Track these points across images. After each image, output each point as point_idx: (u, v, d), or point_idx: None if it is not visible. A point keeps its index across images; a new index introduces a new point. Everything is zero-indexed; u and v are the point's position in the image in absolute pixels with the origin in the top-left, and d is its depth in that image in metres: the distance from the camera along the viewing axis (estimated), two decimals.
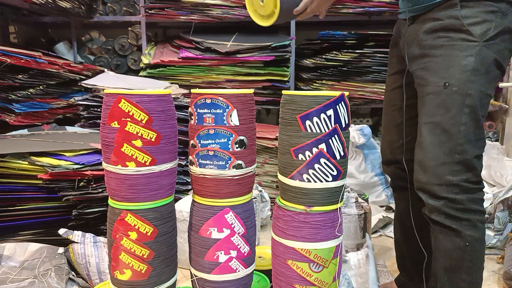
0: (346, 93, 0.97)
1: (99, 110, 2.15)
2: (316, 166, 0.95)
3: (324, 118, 0.93)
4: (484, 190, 1.07)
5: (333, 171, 0.96)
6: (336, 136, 0.95)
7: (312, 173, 0.95)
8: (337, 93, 0.94)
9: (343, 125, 0.96)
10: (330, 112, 0.94)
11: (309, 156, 0.95)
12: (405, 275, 1.38)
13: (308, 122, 0.94)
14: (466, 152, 1.02)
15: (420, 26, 1.10)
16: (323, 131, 0.94)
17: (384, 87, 2.47)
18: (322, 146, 0.94)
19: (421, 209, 1.10)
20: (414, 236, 1.29)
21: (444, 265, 1.06)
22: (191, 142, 1.05)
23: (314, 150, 0.94)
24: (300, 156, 0.96)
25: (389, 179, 1.42)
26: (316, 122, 0.94)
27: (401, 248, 1.38)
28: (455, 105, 1.01)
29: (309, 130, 0.94)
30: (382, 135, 1.39)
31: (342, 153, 0.97)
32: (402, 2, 1.20)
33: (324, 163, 0.95)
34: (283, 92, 1.00)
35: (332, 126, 0.94)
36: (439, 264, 1.07)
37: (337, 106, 0.94)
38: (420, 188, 1.08)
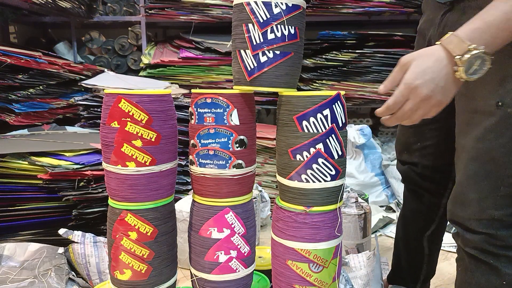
0: (342, 92, 0.96)
1: (99, 110, 2.15)
2: (314, 166, 0.95)
3: (320, 118, 0.93)
4: None
5: (332, 170, 0.96)
6: (333, 135, 0.95)
7: (311, 173, 0.95)
8: (333, 93, 0.94)
9: (340, 125, 0.96)
10: (327, 111, 0.94)
11: (306, 156, 0.95)
12: (398, 273, 1.35)
13: (304, 123, 0.94)
14: None
15: (463, 15, 0.87)
16: (320, 131, 0.94)
17: None
18: (320, 146, 0.94)
19: (452, 235, 0.97)
20: (414, 240, 1.27)
21: None
22: (192, 141, 1.05)
23: (312, 150, 0.94)
24: (298, 156, 0.96)
25: (385, 172, 1.37)
26: (313, 122, 0.94)
27: (399, 247, 1.34)
28: (509, 130, 0.82)
29: (306, 131, 0.94)
30: (398, 131, 1.25)
31: (340, 153, 0.97)
32: None
33: (322, 163, 0.95)
34: (279, 93, 1.00)
35: (329, 126, 0.94)
36: None
37: (334, 106, 0.94)
38: (454, 221, 0.94)
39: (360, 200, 1.71)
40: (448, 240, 1.91)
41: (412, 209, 1.27)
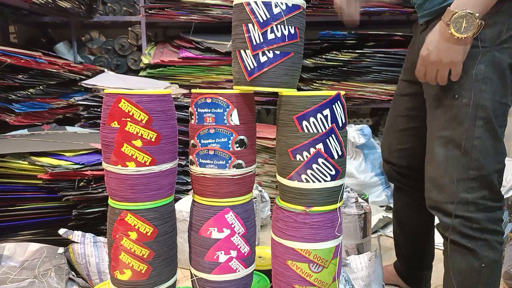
0: (342, 93, 0.97)
1: (99, 110, 2.15)
2: (314, 166, 0.95)
3: (320, 118, 0.93)
4: (504, 208, 1.03)
5: (332, 170, 0.96)
6: (333, 135, 0.95)
7: (311, 173, 0.95)
8: (333, 93, 0.94)
9: (340, 125, 0.96)
10: (327, 111, 0.94)
11: (306, 156, 0.95)
12: (403, 262, 1.44)
13: (304, 123, 0.94)
14: (483, 168, 0.94)
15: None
16: (320, 131, 0.94)
17: (385, 87, 2.49)
18: (320, 146, 0.94)
19: (436, 226, 1.06)
20: (409, 231, 1.38)
21: (458, 285, 0.99)
22: (192, 141, 1.05)
23: (312, 150, 0.94)
24: (298, 156, 0.96)
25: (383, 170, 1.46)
26: (313, 122, 0.94)
27: (399, 239, 1.44)
28: (467, 118, 0.93)
29: (306, 131, 0.94)
30: (383, 134, 1.39)
31: (340, 153, 0.97)
32: (417, 6, 1.09)
33: (322, 163, 0.95)
34: (279, 93, 1.01)
35: (329, 126, 0.94)
36: (452, 282, 1.01)
37: (333, 106, 0.94)
38: (433, 207, 1.02)
39: (360, 200, 1.71)
40: None
41: (401, 204, 1.38)
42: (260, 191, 2.02)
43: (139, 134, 0.93)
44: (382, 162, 1.44)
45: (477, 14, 0.85)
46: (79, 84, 2.36)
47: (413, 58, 1.11)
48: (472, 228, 0.95)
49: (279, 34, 0.94)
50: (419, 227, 1.36)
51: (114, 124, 0.94)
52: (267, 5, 0.93)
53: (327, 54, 2.46)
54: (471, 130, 0.93)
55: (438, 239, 1.60)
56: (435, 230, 1.40)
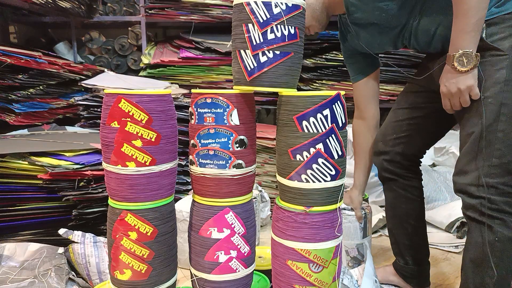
0: (342, 93, 0.97)
1: (99, 110, 2.15)
2: (314, 166, 0.95)
3: (320, 118, 0.93)
4: None
5: (331, 170, 0.96)
6: (333, 135, 0.95)
7: (311, 173, 0.95)
8: (333, 93, 0.94)
9: (340, 125, 0.96)
10: (327, 111, 0.94)
11: (306, 156, 0.95)
12: (401, 260, 1.47)
13: (304, 123, 0.94)
14: (504, 156, 1.06)
15: None
16: (320, 131, 0.94)
17: (384, 87, 2.48)
18: (320, 146, 0.94)
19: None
20: (403, 223, 1.43)
21: (471, 256, 1.11)
22: (192, 141, 1.05)
23: (312, 150, 0.94)
24: (298, 156, 0.96)
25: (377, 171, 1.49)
26: (313, 122, 0.94)
27: (394, 235, 1.47)
28: (492, 115, 1.07)
29: (306, 131, 0.94)
30: (379, 129, 1.46)
31: (340, 153, 0.97)
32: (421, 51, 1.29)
33: (322, 163, 0.95)
34: (279, 93, 1.00)
35: (329, 126, 0.94)
36: (468, 255, 1.13)
37: (333, 106, 0.94)
38: (459, 189, 1.13)
39: None
40: (448, 240, 1.91)
41: (394, 197, 1.43)
42: (260, 191, 2.02)
43: (139, 134, 0.93)
44: (373, 156, 1.47)
45: (471, 51, 1.04)
46: (79, 84, 2.36)
47: (426, 81, 1.29)
48: (491, 208, 1.06)
49: (279, 34, 0.94)
50: (412, 218, 1.41)
51: (114, 124, 0.94)
52: (267, 5, 0.93)
53: (327, 54, 2.46)
54: (495, 125, 1.07)
55: (438, 239, 1.61)
56: (432, 229, 1.44)
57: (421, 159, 1.43)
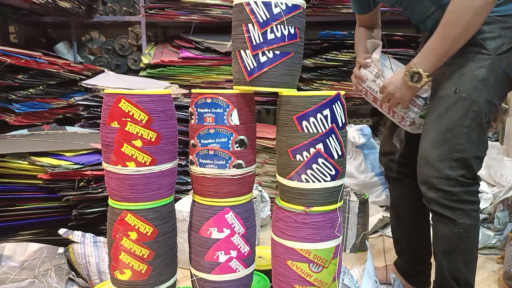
0: (342, 93, 0.97)
1: (99, 110, 2.15)
2: (314, 166, 0.95)
3: (320, 118, 0.94)
4: (480, 182, 1.17)
5: (331, 170, 0.96)
6: (333, 135, 0.95)
7: (310, 173, 0.95)
8: (333, 93, 0.94)
9: (340, 125, 0.96)
10: (326, 111, 0.94)
11: (306, 156, 0.95)
12: (402, 258, 1.49)
13: (304, 123, 0.94)
14: (465, 152, 1.11)
15: None
16: (320, 131, 0.94)
17: None
18: (320, 146, 0.94)
19: (422, 200, 1.21)
20: (406, 222, 1.45)
21: (442, 248, 1.18)
22: (192, 141, 1.05)
23: (312, 150, 0.94)
24: (298, 156, 0.96)
25: (383, 170, 1.50)
26: (313, 122, 0.94)
27: (396, 233, 1.49)
28: (462, 109, 1.11)
29: (305, 131, 0.94)
30: (385, 129, 1.48)
31: (340, 153, 0.97)
32: (417, 23, 1.29)
33: (322, 163, 0.95)
34: (279, 93, 1.00)
35: (328, 126, 0.94)
36: (438, 247, 1.19)
37: (333, 106, 0.94)
38: (422, 180, 1.17)
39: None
40: None
41: (398, 195, 1.45)
42: (260, 191, 2.02)
43: (139, 134, 0.93)
44: (379, 156, 1.51)
45: (426, 73, 1.12)
46: (79, 84, 2.36)
47: None
48: (452, 200, 1.12)
49: (279, 34, 0.94)
50: (416, 218, 1.43)
51: (114, 124, 0.94)
52: (267, 5, 0.93)
53: (327, 54, 2.46)
54: (463, 119, 1.11)
55: None
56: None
57: None
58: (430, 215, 1.22)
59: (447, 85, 1.14)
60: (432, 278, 1.46)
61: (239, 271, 1.06)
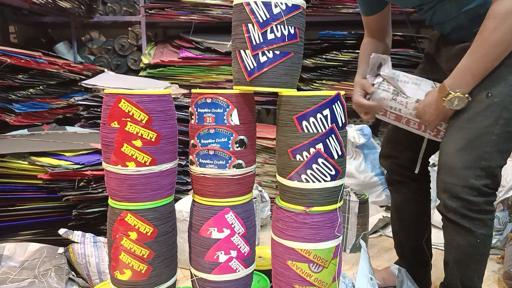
0: (342, 93, 0.97)
1: (99, 110, 2.15)
2: (314, 166, 0.95)
3: (320, 118, 0.93)
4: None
5: (331, 170, 0.96)
6: (333, 135, 0.95)
7: (310, 173, 0.95)
8: (333, 93, 0.94)
9: (340, 125, 0.96)
10: (326, 111, 0.94)
11: (306, 156, 0.95)
12: (405, 261, 1.45)
13: (304, 123, 0.94)
14: (492, 160, 1.06)
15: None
16: (320, 131, 0.94)
17: None
18: (320, 146, 0.94)
19: (437, 207, 1.16)
20: (411, 226, 1.41)
21: (456, 258, 1.14)
22: (192, 141, 1.05)
23: (312, 150, 0.94)
24: (298, 156, 0.96)
25: (385, 172, 1.47)
26: (313, 122, 0.94)
27: (399, 237, 1.46)
28: (493, 115, 1.05)
29: (305, 131, 0.94)
30: (387, 130, 1.44)
31: (340, 153, 0.97)
32: (435, 26, 1.23)
33: (322, 163, 0.95)
34: (279, 93, 1.00)
35: (328, 126, 0.94)
36: (451, 256, 1.15)
37: (333, 106, 0.94)
38: (444, 188, 1.11)
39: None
40: None
41: (403, 200, 1.41)
42: (260, 191, 2.02)
43: (139, 134, 0.93)
44: (379, 159, 1.46)
45: (466, 95, 1.06)
46: (79, 84, 2.36)
47: (432, 65, 1.29)
48: (472, 210, 1.07)
49: (279, 34, 0.94)
50: (422, 223, 1.40)
51: (114, 124, 0.94)
52: (267, 5, 0.93)
53: (327, 54, 2.46)
54: (493, 126, 1.05)
55: (437, 239, 1.61)
56: (432, 229, 1.45)
57: (429, 160, 1.41)
58: (441, 222, 1.16)
59: (477, 88, 1.08)
60: (433, 278, 1.47)
61: (239, 271, 1.06)
